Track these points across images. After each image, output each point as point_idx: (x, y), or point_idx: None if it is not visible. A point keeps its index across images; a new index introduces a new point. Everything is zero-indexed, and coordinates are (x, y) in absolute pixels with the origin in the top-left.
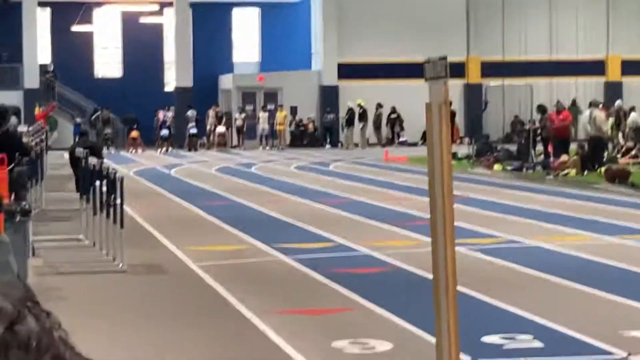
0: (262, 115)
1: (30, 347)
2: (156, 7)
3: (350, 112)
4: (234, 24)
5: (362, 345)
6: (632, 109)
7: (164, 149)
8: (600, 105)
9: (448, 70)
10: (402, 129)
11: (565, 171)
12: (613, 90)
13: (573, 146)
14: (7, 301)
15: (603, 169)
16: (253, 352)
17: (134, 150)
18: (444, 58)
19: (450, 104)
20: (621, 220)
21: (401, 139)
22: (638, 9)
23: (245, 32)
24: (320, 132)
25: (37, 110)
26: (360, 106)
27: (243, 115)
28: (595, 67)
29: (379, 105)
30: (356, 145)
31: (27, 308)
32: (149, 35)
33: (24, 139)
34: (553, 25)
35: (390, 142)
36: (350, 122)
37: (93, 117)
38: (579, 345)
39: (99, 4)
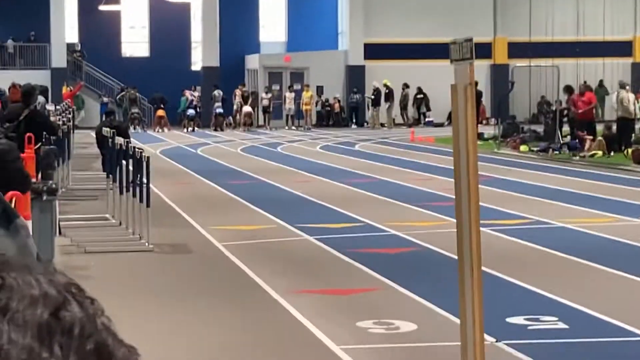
0: (288, 95)
1: (74, 333)
2: None
3: (377, 92)
4: (260, 3)
5: (386, 325)
6: (622, 86)
7: (190, 128)
8: (628, 87)
9: (474, 52)
10: (428, 109)
11: (592, 152)
12: None
13: (599, 127)
14: (52, 286)
15: (630, 150)
16: (278, 331)
17: (160, 130)
18: (470, 40)
19: (477, 84)
20: None
21: (427, 120)
22: None
23: (272, 12)
24: (346, 112)
25: (65, 90)
26: (386, 86)
27: (269, 95)
28: (623, 48)
29: (405, 86)
30: (382, 125)
31: (71, 294)
32: (176, 15)
33: (52, 118)
34: (580, 6)
35: (416, 122)
36: (376, 102)
37: (119, 96)
38: (605, 327)
39: None
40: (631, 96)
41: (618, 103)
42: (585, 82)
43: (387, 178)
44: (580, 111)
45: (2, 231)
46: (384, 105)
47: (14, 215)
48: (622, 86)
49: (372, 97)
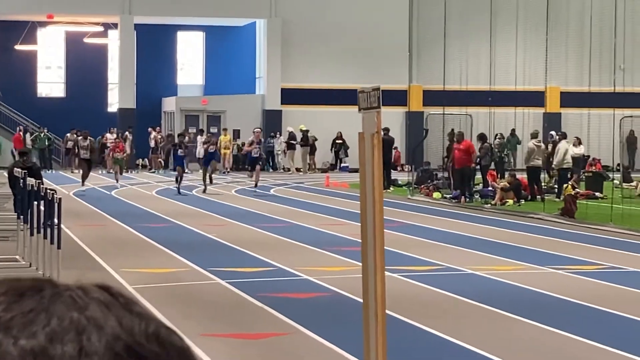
0: (200, 139)
1: None
2: (100, 28)
3: (291, 136)
4: (178, 46)
5: None
6: (564, 136)
7: (107, 170)
8: (540, 137)
9: (381, 101)
10: (346, 155)
11: (503, 200)
12: (551, 121)
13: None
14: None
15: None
16: None
17: (75, 171)
18: (377, 88)
19: (388, 130)
20: (557, 250)
21: (343, 165)
22: (576, 43)
23: (190, 55)
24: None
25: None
26: (302, 131)
27: (186, 138)
28: (535, 98)
29: (306, 131)
30: (298, 170)
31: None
32: (93, 56)
33: None
34: (493, 57)
35: (332, 167)
36: (291, 146)
37: (33, 137)
38: None
39: (43, 24)
40: (563, 145)
41: (528, 153)
42: (481, 132)
43: (301, 223)
44: (457, 157)
45: None
46: (299, 150)
47: None
48: (533, 136)
49: (286, 141)
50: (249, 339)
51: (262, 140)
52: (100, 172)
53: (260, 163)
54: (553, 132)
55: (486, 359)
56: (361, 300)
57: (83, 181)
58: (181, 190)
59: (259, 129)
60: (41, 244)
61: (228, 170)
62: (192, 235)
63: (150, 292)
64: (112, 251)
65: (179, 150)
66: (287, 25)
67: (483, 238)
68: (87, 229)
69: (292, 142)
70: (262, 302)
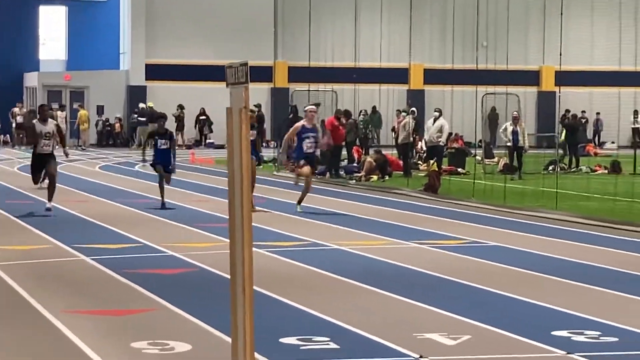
0: (60, 114)
1: None
2: None
3: (141, 113)
4: (40, 21)
5: (161, 346)
6: (440, 112)
7: None
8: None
9: (249, 76)
10: (210, 131)
11: (368, 176)
12: (415, 98)
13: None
14: None
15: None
16: (50, 352)
17: None
18: (245, 64)
19: (260, 107)
20: (420, 225)
21: (208, 141)
22: (439, 21)
23: (52, 30)
24: (127, 132)
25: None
26: (150, 108)
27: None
28: (399, 75)
29: (180, 107)
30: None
31: None
32: None
33: None
34: (358, 34)
35: (197, 144)
36: (141, 123)
37: None
38: (375, 347)
39: None
40: (444, 121)
41: (402, 129)
42: (354, 109)
43: (166, 199)
44: (339, 133)
45: None
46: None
47: None
48: (413, 112)
49: (136, 118)
50: (114, 315)
51: (319, 127)
52: None
53: (314, 162)
54: (415, 109)
55: (352, 333)
56: (228, 276)
57: (51, 195)
58: (166, 202)
59: (313, 107)
60: None
61: (83, 147)
62: (54, 211)
63: (12, 269)
64: None
65: (161, 142)
66: (151, 0)
67: (348, 213)
68: None
69: (141, 118)
70: (127, 279)
